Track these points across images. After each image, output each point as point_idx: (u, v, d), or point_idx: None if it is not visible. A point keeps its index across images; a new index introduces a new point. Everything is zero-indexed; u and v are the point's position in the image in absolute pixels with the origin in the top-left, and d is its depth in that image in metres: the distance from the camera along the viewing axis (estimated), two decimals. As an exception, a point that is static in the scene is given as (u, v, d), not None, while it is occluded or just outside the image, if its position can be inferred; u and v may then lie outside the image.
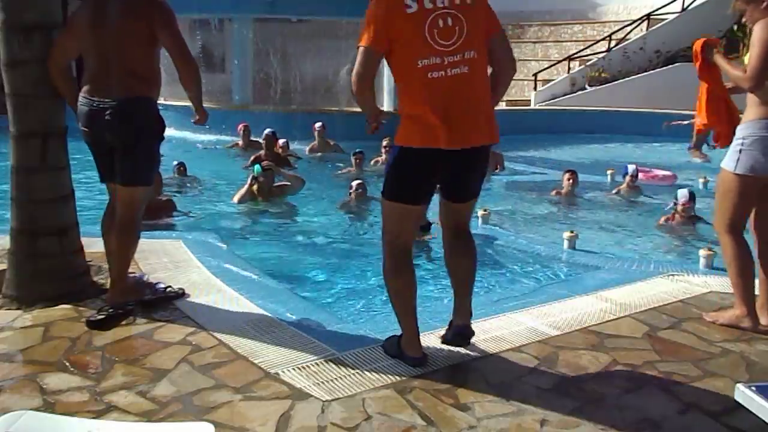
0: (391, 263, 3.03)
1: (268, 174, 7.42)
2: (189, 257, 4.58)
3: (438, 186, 3.04)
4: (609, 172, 9.48)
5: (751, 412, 2.25)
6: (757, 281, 3.61)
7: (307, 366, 3.04)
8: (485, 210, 6.50)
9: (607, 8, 19.31)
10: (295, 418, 2.62)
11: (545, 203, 8.14)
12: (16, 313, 3.57)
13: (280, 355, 3.14)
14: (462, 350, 3.23)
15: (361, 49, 2.84)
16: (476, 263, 3.19)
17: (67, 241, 3.82)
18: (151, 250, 4.55)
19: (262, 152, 9.27)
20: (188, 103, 3.75)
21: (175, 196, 7.37)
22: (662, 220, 6.90)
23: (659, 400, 2.85)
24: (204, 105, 3.75)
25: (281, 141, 9.69)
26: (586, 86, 16.10)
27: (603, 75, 16.20)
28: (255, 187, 7.35)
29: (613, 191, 8.46)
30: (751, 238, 3.63)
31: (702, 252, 4.82)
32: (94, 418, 2.56)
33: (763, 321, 3.56)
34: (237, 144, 10.80)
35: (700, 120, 5.89)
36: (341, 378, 2.94)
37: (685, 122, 8.00)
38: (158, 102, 3.61)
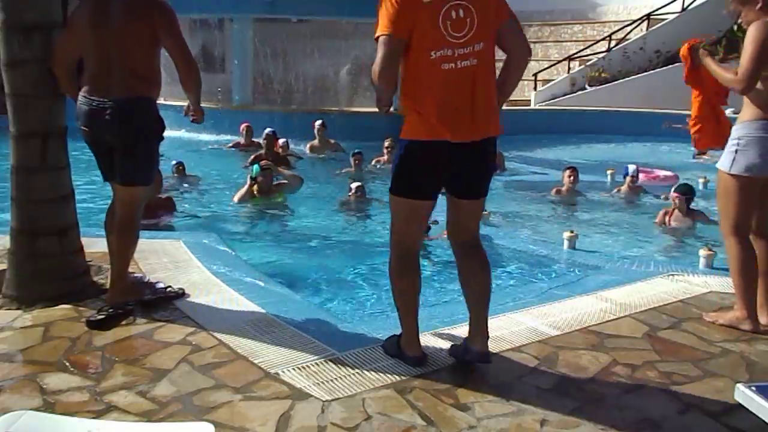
0: (398, 263, 3.02)
1: (266, 174, 7.42)
2: (189, 257, 4.58)
3: (444, 187, 2.99)
4: (609, 172, 9.48)
5: (751, 412, 2.25)
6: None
7: (307, 366, 3.04)
8: (485, 210, 6.47)
9: (607, 8, 19.34)
10: (295, 418, 2.62)
11: (545, 203, 8.14)
12: (16, 313, 3.56)
13: (280, 355, 3.14)
14: (462, 350, 3.22)
15: (382, 38, 2.70)
16: (491, 277, 3.07)
17: (67, 241, 3.82)
18: (151, 250, 4.55)
19: (262, 152, 9.28)
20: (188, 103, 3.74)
21: (175, 196, 7.36)
22: (660, 214, 6.88)
23: (659, 400, 2.85)
24: (203, 105, 3.75)
25: (281, 141, 9.70)
26: (586, 86, 16.12)
27: (603, 75, 16.22)
28: (255, 187, 7.35)
29: (614, 191, 8.46)
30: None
31: (702, 252, 4.82)
32: (94, 418, 2.56)
33: (762, 321, 3.56)
34: (238, 143, 10.81)
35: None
36: (341, 378, 2.93)
37: (682, 126, 7.95)
38: (158, 102, 3.61)
